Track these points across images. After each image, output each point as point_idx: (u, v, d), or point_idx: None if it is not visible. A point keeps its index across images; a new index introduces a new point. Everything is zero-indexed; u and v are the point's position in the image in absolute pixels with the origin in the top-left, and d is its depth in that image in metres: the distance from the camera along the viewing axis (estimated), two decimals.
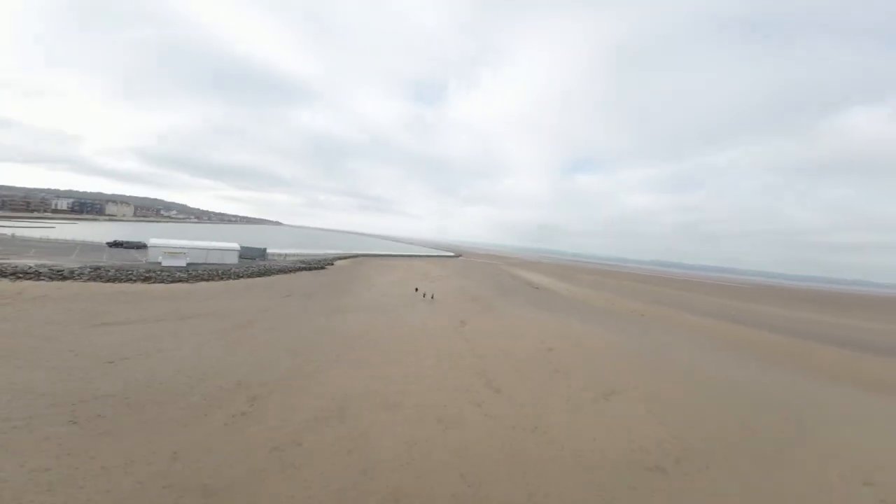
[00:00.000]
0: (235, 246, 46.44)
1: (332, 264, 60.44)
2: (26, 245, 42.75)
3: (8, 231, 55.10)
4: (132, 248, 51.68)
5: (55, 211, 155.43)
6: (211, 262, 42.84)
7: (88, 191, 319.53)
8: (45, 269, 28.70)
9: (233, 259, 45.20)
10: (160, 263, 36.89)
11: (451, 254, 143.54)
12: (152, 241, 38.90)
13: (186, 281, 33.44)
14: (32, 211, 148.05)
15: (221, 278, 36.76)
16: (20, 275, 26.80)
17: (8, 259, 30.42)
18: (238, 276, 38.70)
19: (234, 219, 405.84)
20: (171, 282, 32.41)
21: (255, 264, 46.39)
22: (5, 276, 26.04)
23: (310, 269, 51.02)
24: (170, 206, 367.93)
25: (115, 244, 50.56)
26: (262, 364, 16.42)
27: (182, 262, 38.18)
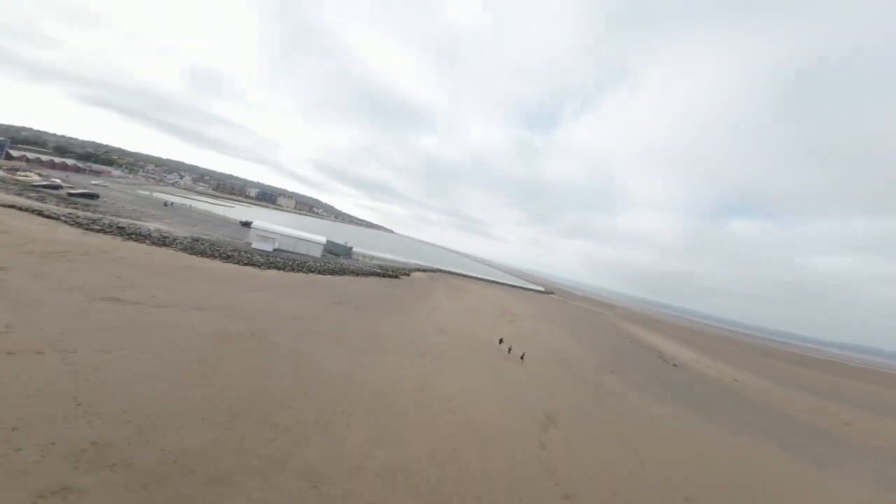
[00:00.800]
0: (322, 240, 46.53)
1: (409, 275, 55.83)
2: (178, 214, 53.03)
3: (186, 202, 72.29)
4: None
5: (247, 196, 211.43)
6: (297, 251, 43.54)
7: (272, 185, 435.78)
8: (157, 235, 31.78)
9: (317, 252, 45.12)
10: (251, 245, 38.54)
11: (540, 288, 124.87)
12: (255, 223, 41.34)
13: (259, 266, 32.72)
14: (234, 194, 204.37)
15: (293, 269, 35.34)
16: (133, 236, 29.87)
17: (141, 221, 35.88)
18: (309, 270, 36.93)
19: (360, 222, 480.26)
20: (245, 264, 32.02)
21: (334, 261, 45.41)
22: (120, 236, 29.26)
23: (383, 276, 47.20)
24: (321, 205, 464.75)
25: (245, 224, 58.80)
26: (167, 418, 9.73)
27: (269, 247, 39.12)
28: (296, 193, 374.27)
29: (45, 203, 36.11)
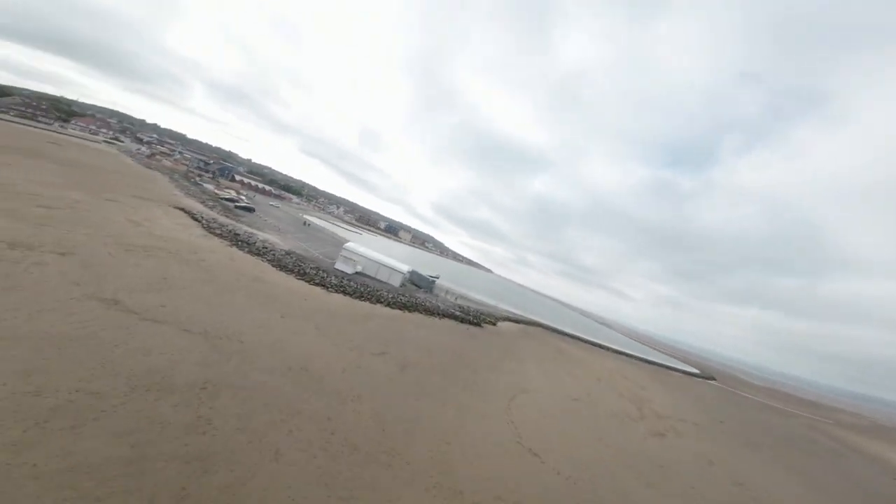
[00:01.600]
0: (404, 269, 42.67)
1: (495, 324, 45.54)
2: (306, 232, 59.87)
3: (325, 225, 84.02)
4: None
5: (376, 227, 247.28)
6: (378, 277, 40.76)
7: (397, 220, 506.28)
8: (259, 245, 33.53)
9: (396, 281, 41.30)
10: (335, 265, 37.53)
11: (693, 370, 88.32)
12: (347, 244, 41.06)
13: (328, 287, 30.02)
14: (369, 224, 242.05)
15: (360, 296, 31.46)
16: (237, 243, 31.92)
17: (262, 232, 39.65)
18: (377, 300, 32.41)
19: (462, 259, 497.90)
20: (315, 284, 29.77)
21: (411, 293, 40.50)
22: (228, 241, 31.54)
23: (462, 320, 38.90)
24: (432, 241, 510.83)
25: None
26: None
27: (350, 269, 37.30)
28: (414, 229, 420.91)
29: (211, 210, 45.15)
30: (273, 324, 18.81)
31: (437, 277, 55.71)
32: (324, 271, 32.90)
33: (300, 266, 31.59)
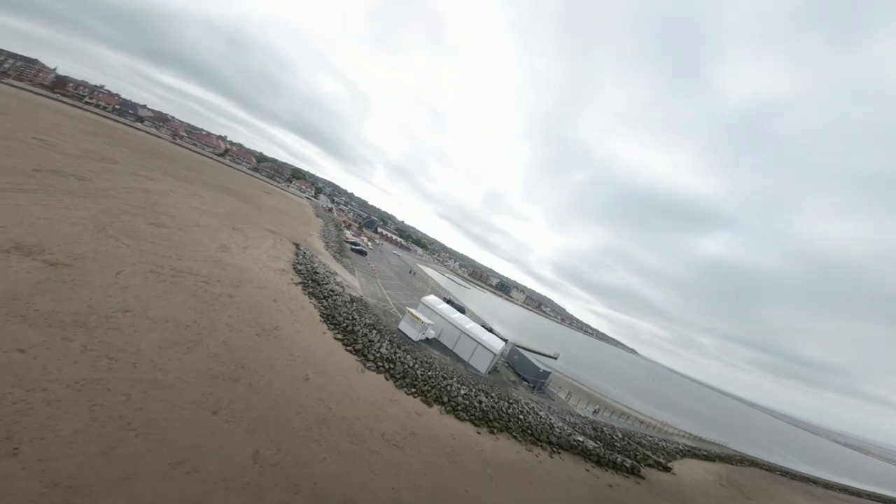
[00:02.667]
0: (496, 346, 28.90)
1: (669, 468, 24.20)
2: (405, 279, 55.52)
3: (433, 276, 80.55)
4: (455, 307, 52.85)
5: (487, 284, 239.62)
6: (457, 351, 28.75)
7: (510, 277, 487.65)
8: (330, 286, 28.49)
9: (484, 363, 27.95)
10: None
11: None
12: (425, 298, 31.93)
13: (367, 358, 20.37)
14: (480, 280, 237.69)
15: (411, 385, 20.07)
16: (310, 284, 27.55)
17: (349, 273, 35.63)
18: (437, 398, 20.07)
19: (591, 331, 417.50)
20: (351, 349, 20.65)
21: (504, 386, 26.05)
22: (302, 280, 27.50)
23: (598, 460, 20.92)
24: (551, 304, 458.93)
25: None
26: None
27: (416, 334, 26.73)
28: (529, 289, 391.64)
29: (325, 249, 46.39)
30: (209, 422, 9.71)
31: (555, 357, 38.42)
32: (378, 332, 23.88)
33: (352, 319, 23.75)
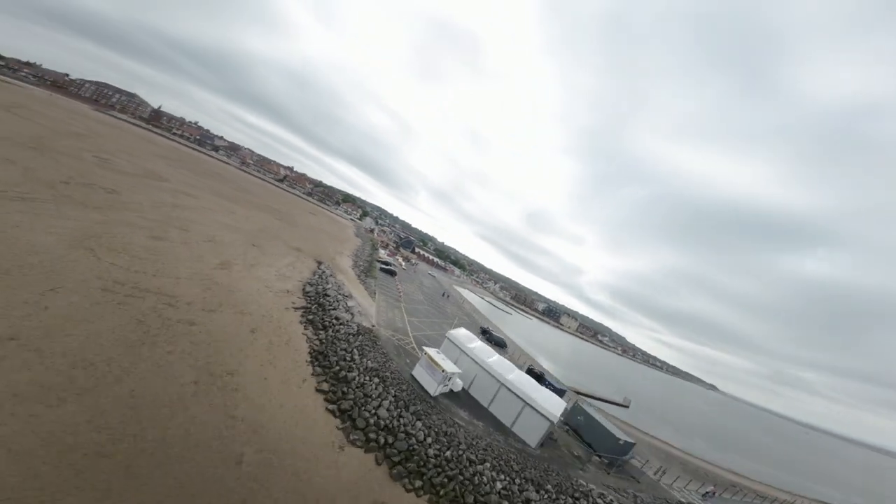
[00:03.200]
0: (555, 408, 20.60)
1: None
2: (436, 304, 49.55)
3: (469, 298, 73.78)
4: (494, 341, 45.33)
5: (532, 308, 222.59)
6: (494, 411, 21.39)
7: (558, 301, 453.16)
8: (336, 313, 23.81)
9: (535, 432, 20.05)
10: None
11: None
12: (451, 333, 25.45)
13: (353, 424, 14.40)
14: (524, 304, 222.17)
15: (416, 470, 13.60)
16: (314, 304, 23.09)
17: (369, 297, 30.95)
18: (470, 501, 13.28)
19: (660, 364, 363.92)
20: (331, 407, 14.94)
21: (565, 466, 18.00)
22: (306, 303, 23.20)
23: None
24: (608, 332, 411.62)
25: (484, 332, 47.04)
26: None
27: (434, 386, 19.36)
28: (580, 314, 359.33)
29: (352, 268, 43.09)
30: None
31: (626, 405, 29.17)
32: (382, 380, 17.94)
33: (349, 360, 18.28)
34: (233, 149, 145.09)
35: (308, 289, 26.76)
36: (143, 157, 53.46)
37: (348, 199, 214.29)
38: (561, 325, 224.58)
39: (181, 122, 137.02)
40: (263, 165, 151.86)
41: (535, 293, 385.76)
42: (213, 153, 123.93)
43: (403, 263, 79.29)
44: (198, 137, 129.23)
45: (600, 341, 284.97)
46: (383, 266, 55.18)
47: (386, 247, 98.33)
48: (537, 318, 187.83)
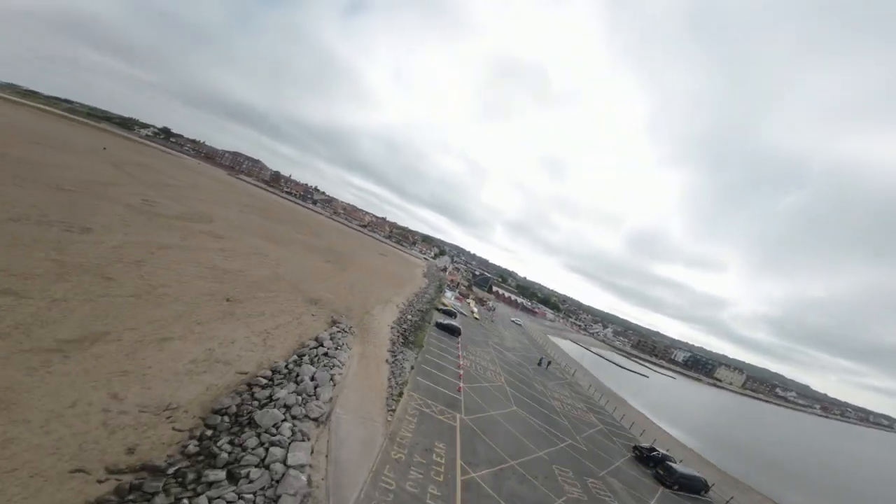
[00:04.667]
0: None
1: None
2: (526, 383, 30.27)
3: (570, 348, 50.86)
4: (658, 464, 23.34)
5: (671, 360, 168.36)
6: None
7: (705, 347, 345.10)
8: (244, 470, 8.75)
9: None
10: None
11: None
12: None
13: None
14: (655, 355, 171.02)
15: None
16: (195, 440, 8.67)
17: (397, 397, 15.37)
18: None
19: (887, 423, 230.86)
20: None
21: None
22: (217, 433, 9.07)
23: None
24: (791, 385, 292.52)
25: (638, 450, 24.89)
26: None
27: None
28: (748, 365, 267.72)
29: (391, 329, 29.32)
30: None
31: None
32: None
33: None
34: (327, 201, 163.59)
35: (255, 389, 12.89)
36: (220, 204, 54.74)
37: (426, 240, 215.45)
38: (718, 380, 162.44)
39: (294, 182, 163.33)
40: (351, 214, 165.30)
41: (658, 333, 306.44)
42: (310, 205, 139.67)
43: (476, 310, 62.25)
44: (301, 193, 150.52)
45: (786, 399, 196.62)
46: (443, 321, 39.35)
47: (455, 286, 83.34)
48: (681, 372, 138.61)
